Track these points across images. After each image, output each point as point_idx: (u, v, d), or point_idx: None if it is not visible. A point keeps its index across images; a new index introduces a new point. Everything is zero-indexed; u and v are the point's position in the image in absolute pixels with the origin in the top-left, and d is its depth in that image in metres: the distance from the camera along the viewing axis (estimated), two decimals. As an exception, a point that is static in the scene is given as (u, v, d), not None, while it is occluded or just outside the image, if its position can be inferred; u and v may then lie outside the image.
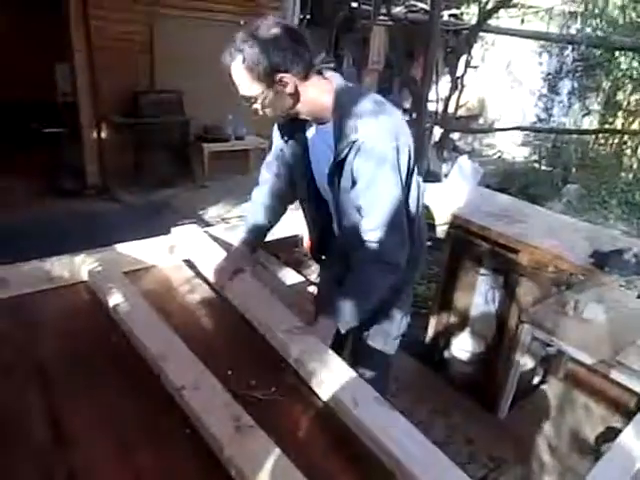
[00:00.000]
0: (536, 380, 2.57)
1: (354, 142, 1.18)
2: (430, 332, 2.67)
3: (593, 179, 5.50)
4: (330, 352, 1.17)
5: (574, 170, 5.93)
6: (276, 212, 1.53)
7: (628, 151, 5.98)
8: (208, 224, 4.44)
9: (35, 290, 1.39)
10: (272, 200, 1.51)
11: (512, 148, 7.67)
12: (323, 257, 1.63)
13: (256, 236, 1.52)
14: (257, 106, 1.22)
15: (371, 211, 1.23)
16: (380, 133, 1.18)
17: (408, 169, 1.25)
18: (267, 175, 1.52)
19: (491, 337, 2.41)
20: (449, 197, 2.56)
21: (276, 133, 1.42)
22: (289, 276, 3.15)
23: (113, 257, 1.56)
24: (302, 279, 3.14)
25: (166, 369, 1.08)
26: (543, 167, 6.25)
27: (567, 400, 2.41)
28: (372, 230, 1.23)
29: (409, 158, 1.24)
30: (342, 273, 1.35)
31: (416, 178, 1.32)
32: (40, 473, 0.87)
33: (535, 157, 6.93)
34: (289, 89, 1.19)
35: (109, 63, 4.69)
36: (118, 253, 1.59)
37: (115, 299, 1.32)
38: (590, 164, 6.09)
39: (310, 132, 1.34)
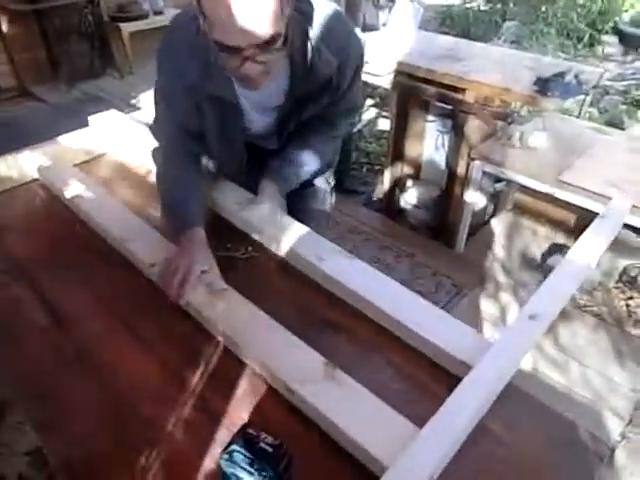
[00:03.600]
0: (487, 216, 2.77)
1: (333, 73, 1.02)
2: (386, 185, 2.76)
3: (531, 12, 5.37)
4: (288, 218, 1.18)
5: (512, 5, 5.74)
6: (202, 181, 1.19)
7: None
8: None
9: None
10: (197, 173, 1.16)
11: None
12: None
13: (199, 218, 1.09)
14: (275, 53, 0.85)
15: (341, 104, 1.15)
16: (352, 46, 1.04)
17: None
18: (177, 149, 1.13)
19: (444, 181, 2.52)
20: (391, 45, 2.47)
21: (182, 92, 1.03)
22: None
23: (60, 150, 1.49)
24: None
25: (133, 249, 1.09)
26: (482, 7, 6.01)
27: (515, 227, 2.64)
28: (339, 116, 1.19)
29: None
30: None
31: None
32: (49, 352, 0.93)
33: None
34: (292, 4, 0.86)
35: None
36: (64, 146, 1.52)
37: (71, 191, 1.29)
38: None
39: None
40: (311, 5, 0.98)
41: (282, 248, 1.12)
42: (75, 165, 1.44)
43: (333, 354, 0.85)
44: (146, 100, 4.40)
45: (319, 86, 1.04)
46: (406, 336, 0.91)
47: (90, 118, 1.61)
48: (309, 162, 1.23)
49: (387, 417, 0.74)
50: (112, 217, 1.20)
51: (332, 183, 1.47)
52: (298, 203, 1.48)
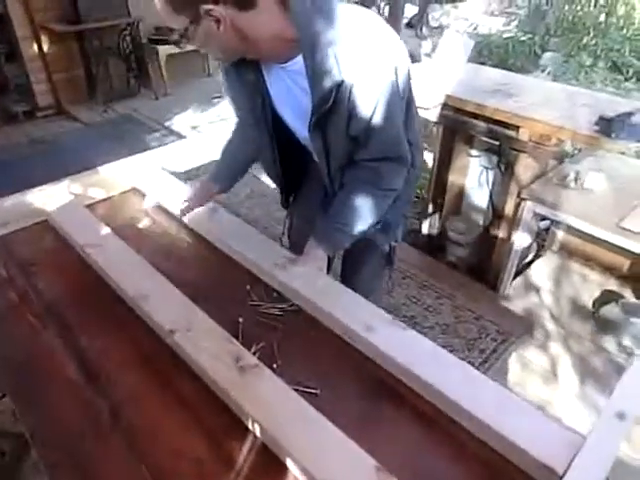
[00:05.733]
0: (531, 255, 2.62)
1: (340, 85, 0.95)
2: (427, 220, 2.64)
3: (573, 43, 5.25)
4: (331, 281, 1.10)
5: (552, 36, 5.65)
6: (247, 156, 1.36)
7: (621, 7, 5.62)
8: (179, 135, 4.19)
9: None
10: (243, 144, 1.33)
11: (485, 20, 7.24)
12: (291, 198, 1.47)
13: (225, 174, 1.37)
14: (190, 44, 0.99)
15: (372, 143, 1.06)
16: (372, 66, 0.95)
17: (409, 88, 1.08)
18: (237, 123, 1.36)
19: (487, 219, 2.40)
20: (439, 77, 2.39)
21: (226, 78, 1.18)
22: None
23: (74, 190, 1.44)
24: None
25: (150, 311, 0.99)
26: (521, 37, 5.92)
27: (563, 270, 2.48)
28: (372, 160, 1.09)
29: (408, 77, 1.05)
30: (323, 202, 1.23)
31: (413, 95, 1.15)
32: (82, 410, 0.85)
33: (510, 27, 6.57)
34: (223, 27, 0.92)
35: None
36: (80, 184, 1.47)
37: (82, 238, 1.21)
38: (568, 27, 5.79)
39: (268, 74, 1.08)
40: (337, 14, 0.96)
41: (322, 315, 1.01)
42: (86, 206, 1.39)
43: (386, 449, 0.74)
44: (180, 122, 4.40)
45: (330, 97, 0.97)
46: (477, 430, 0.78)
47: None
48: (355, 217, 1.13)
49: None
50: (125, 270, 1.10)
51: (393, 243, 1.36)
52: (351, 263, 1.41)
